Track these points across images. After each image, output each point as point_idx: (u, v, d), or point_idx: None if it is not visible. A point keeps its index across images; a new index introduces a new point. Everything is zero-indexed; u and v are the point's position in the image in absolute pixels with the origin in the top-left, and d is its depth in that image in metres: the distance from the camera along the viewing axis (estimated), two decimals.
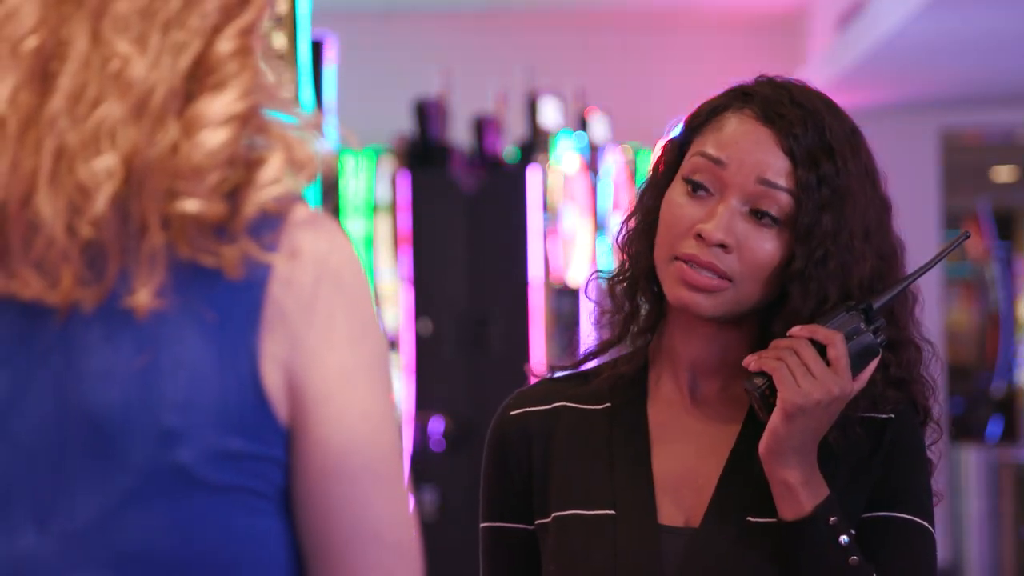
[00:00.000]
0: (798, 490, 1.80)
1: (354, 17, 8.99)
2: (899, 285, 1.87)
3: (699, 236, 1.83)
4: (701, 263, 1.83)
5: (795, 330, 1.82)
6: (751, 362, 1.83)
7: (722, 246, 1.83)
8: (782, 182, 1.84)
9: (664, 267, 1.86)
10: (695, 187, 1.85)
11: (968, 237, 1.98)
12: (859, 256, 1.84)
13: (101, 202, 1.26)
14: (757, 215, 1.84)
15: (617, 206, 7.87)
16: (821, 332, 1.81)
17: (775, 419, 1.80)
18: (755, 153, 1.84)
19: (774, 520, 1.83)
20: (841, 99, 1.95)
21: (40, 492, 1.27)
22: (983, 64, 7.74)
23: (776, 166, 1.84)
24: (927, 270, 1.89)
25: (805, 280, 1.83)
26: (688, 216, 1.84)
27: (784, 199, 1.84)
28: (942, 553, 1.89)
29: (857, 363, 1.82)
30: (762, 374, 1.82)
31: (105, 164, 1.26)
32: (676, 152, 1.90)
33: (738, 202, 1.84)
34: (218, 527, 1.28)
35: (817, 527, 1.80)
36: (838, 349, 1.80)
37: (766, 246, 1.84)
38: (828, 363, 1.80)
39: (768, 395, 1.81)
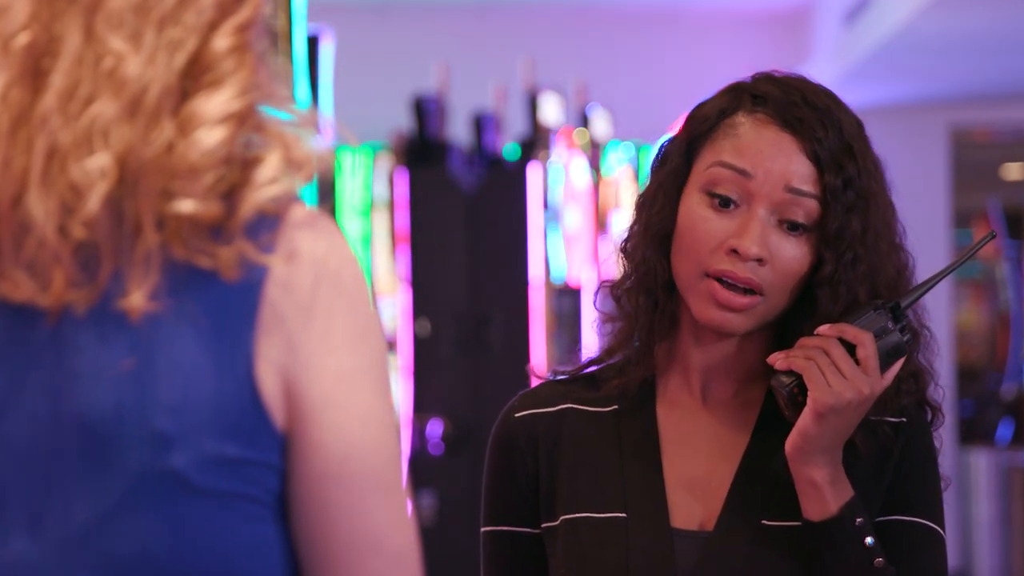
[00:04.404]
0: (825, 490, 1.80)
1: (351, 11, 8.99)
2: (926, 285, 1.87)
3: (733, 251, 1.81)
4: (739, 279, 1.81)
5: (824, 329, 1.81)
6: (778, 360, 1.82)
7: (758, 260, 1.81)
8: (809, 188, 1.83)
9: (693, 284, 1.84)
10: (721, 200, 1.83)
11: (995, 236, 1.97)
12: (884, 255, 1.85)
13: (94, 202, 1.25)
14: (785, 223, 1.83)
15: (619, 204, 7.85)
16: (850, 331, 1.81)
17: (805, 419, 1.79)
18: (780, 160, 1.82)
19: (789, 523, 1.83)
20: (848, 96, 1.93)
21: (33, 496, 1.26)
22: (993, 60, 7.74)
23: (802, 173, 1.82)
24: (954, 269, 1.90)
25: (835, 284, 1.83)
26: (718, 231, 1.83)
27: (811, 205, 1.83)
28: (951, 558, 1.89)
29: (885, 362, 1.82)
30: (790, 372, 1.81)
31: (98, 163, 1.25)
32: (682, 156, 1.88)
33: (766, 212, 1.83)
34: (213, 533, 1.27)
35: (843, 527, 1.79)
36: (868, 349, 1.80)
37: (796, 254, 1.83)
38: (857, 362, 1.79)
39: (796, 393, 1.80)
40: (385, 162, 7.14)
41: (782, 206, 1.82)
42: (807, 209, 1.82)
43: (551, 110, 7.51)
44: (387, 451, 1.30)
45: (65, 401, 1.26)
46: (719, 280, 1.82)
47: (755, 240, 1.81)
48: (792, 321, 1.87)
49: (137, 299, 1.25)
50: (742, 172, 1.83)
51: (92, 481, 1.25)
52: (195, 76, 1.28)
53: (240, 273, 1.27)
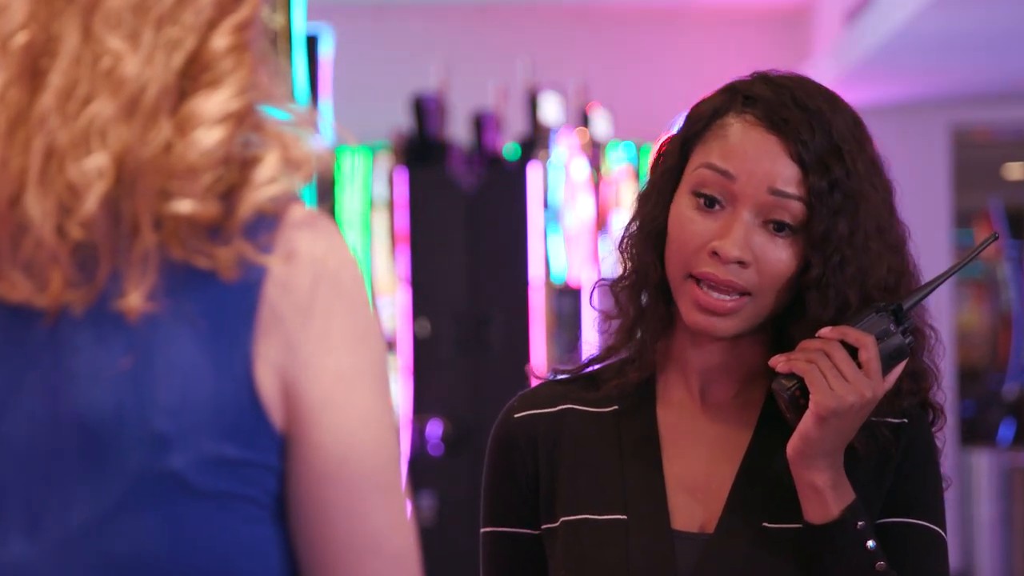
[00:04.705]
0: (826, 493, 1.79)
1: (350, 10, 8.98)
2: (928, 287, 1.86)
3: (715, 254, 1.81)
4: (720, 281, 1.81)
5: (825, 331, 1.81)
6: (779, 363, 1.81)
7: (739, 263, 1.81)
8: (793, 190, 1.82)
9: (679, 285, 1.84)
10: (706, 201, 1.83)
11: (997, 238, 1.96)
12: (875, 257, 1.83)
13: (91, 202, 1.24)
14: (770, 225, 1.82)
15: (619, 204, 7.85)
16: (852, 334, 1.80)
17: (807, 422, 1.79)
18: (763, 163, 1.82)
19: (790, 526, 1.82)
20: (848, 95, 1.92)
21: (31, 497, 1.26)
22: (995, 59, 7.72)
23: (786, 175, 1.82)
24: (957, 271, 1.89)
25: (823, 287, 1.82)
26: (701, 232, 1.82)
27: (796, 207, 1.82)
28: (953, 559, 1.89)
29: (887, 364, 1.81)
30: (791, 375, 1.80)
31: (96, 163, 1.24)
32: (677, 155, 1.88)
33: (750, 214, 1.82)
34: (211, 535, 1.26)
35: (845, 531, 1.79)
36: (870, 352, 1.79)
37: (782, 256, 1.82)
38: (859, 365, 1.78)
39: (798, 396, 1.80)
40: (385, 162, 7.13)
41: (766, 208, 1.82)
42: (792, 211, 1.82)
43: (551, 109, 7.50)
44: (386, 452, 1.30)
45: (63, 402, 1.25)
46: (701, 282, 1.81)
47: (736, 243, 1.80)
48: (790, 322, 1.86)
49: (135, 300, 1.24)
50: (726, 174, 1.82)
51: (91, 482, 1.25)
52: (193, 75, 1.27)
53: (238, 273, 1.26)
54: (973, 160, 10.16)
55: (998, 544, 8.92)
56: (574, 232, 7.43)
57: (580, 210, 7.52)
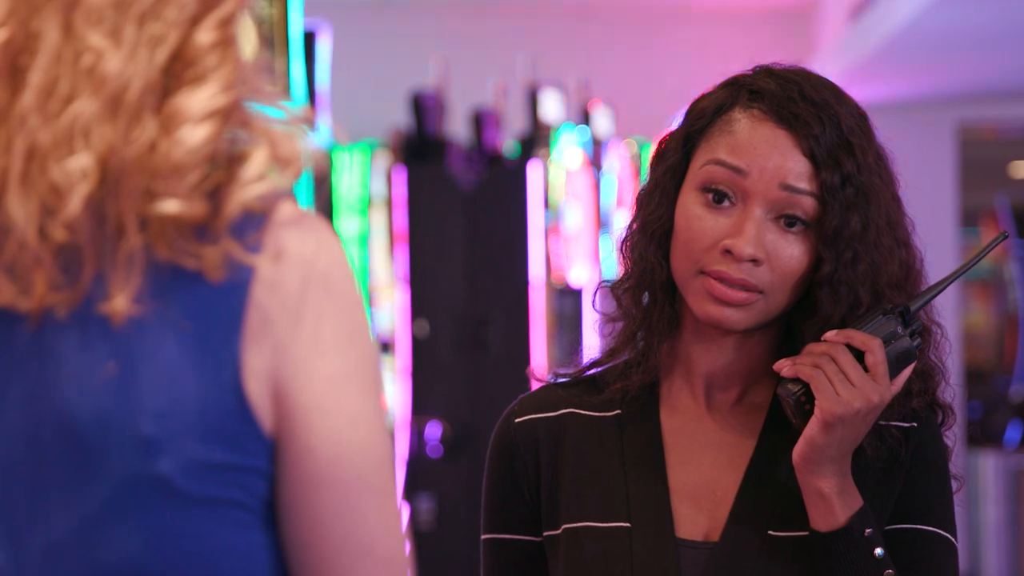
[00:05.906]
0: (833, 500, 1.77)
1: (348, 6, 8.98)
2: (936, 288, 1.84)
3: (727, 252, 1.79)
4: (734, 280, 1.79)
5: (831, 335, 1.78)
6: (785, 367, 1.79)
7: (753, 260, 1.79)
8: (805, 186, 1.79)
9: (689, 281, 1.81)
10: (716, 197, 1.80)
11: (1007, 237, 1.93)
12: (887, 252, 1.81)
13: (75, 204, 1.23)
14: (781, 221, 1.80)
15: (621, 203, 7.85)
16: (858, 337, 1.78)
17: (812, 428, 1.76)
18: (774, 158, 1.80)
19: (796, 534, 1.80)
20: (853, 93, 1.90)
21: (15, 504, 1.25)
22: (1001, 56, 7.71)
23: (797, 170, 1.79)
24: (965, 272, 1.87)
25: (835, 284, 1.80)
26: (712, 230, 1.80)
27: (808, 203, 1.80)
28: (959, 561, 1.88)
29: (894, 368, 1.79)
30: (796, 380, 1.78)
31: (79, 164, 1.23)
32: (679, 152, 1.85)
33: (762, 211, 1.80)
34: (199, 540, 1.25)
35: (852, 539, 1.77)
36: (877, 356, 1.77)
37: (794, 253, 1.80)
38: (866, 369, 1.76)
39: (803, 401, 1.77)
40: (383, 159, 7.13)
41: (778, 204, 1.80)
42: (804, 207, 1.80)
43: (552, 107, 7.49)
44: (377, 454, 1.29)
45: (48, 406, 1.24)
46: (715, 278, 1.79)
47: (749, 241, 1.78)
48: (798, 321, 1.84)
49: (120, 303, 1.23)
50: (737, 170, 1.80)
51: (76, 488, 1.24)
52: (177, 72, 1.26)
53: (225, 274, 1.25)
54: (979, 158, 10.16)
55: (1005, 546, 8.93)
56: (574, 232, 7.41)
57: (581, 209, 7.50)
